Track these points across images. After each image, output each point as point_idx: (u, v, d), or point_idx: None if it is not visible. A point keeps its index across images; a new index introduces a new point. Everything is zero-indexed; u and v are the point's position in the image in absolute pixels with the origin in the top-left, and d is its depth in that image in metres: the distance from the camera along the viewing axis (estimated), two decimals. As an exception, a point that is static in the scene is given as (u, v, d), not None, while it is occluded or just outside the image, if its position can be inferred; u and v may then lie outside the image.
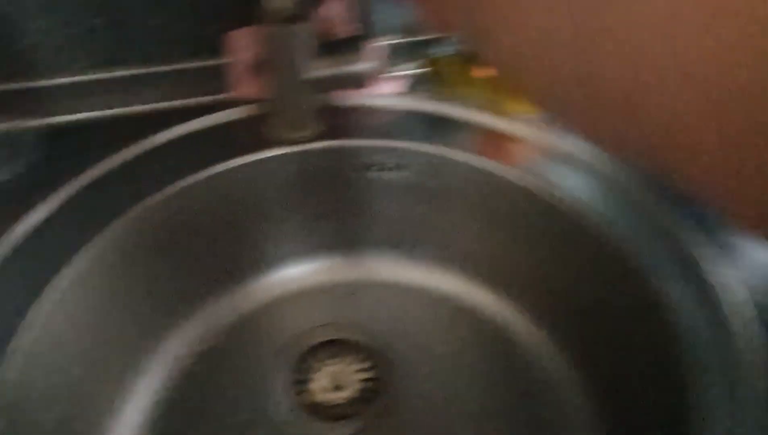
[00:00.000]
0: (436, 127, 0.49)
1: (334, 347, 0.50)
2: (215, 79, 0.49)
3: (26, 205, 0.39)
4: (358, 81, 0.47)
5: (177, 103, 0.48)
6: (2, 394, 0.31)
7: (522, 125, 0.49)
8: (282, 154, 0.47)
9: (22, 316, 0.34)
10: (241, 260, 0.51)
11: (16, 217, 0.38)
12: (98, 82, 0.46)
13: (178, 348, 0.48)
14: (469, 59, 0.49)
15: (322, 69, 0.46)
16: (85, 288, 0.38)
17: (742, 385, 0.31)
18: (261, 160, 0.46)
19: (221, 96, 0.49)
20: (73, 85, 0.46)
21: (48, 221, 0.39)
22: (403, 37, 0.52)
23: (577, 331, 0.46)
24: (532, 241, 0.48)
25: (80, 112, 0.46)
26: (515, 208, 0.47)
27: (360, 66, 0.46)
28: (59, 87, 0.45)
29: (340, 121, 0.48)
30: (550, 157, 0.47)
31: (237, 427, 0.44)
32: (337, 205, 0.51)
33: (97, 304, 0.40)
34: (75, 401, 0.38)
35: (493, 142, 0.49)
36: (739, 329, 0.34)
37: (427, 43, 0.52)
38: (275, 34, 0.42)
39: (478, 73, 0.49)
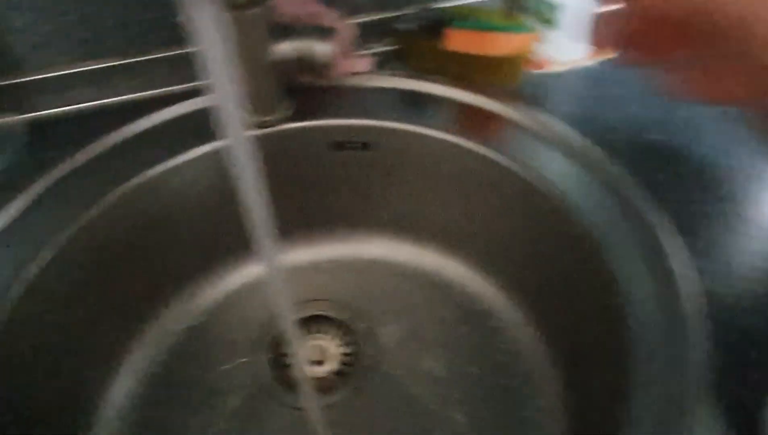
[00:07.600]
0: (407, 103, 0.49)
1: (318, 323, 0.52)
2: (188, 67, 0.50)
3: (6, 198, 0.42)
4: (326, 61, 0.47)
5: (152, 92, 0.50)
6: None
7: (493, 100, 0.48)
8: (253, 138, 0.48)
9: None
10: (225, 239, 0.53)
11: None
12: (75, 75, 0.48)
13: (168, 324, 0.51)
14: (437, 33, 0.48)
15: (289, 51, 0.46)
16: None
17: (683, 359, 0.32)
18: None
19: (193, 84, 0.50)
20: (51, 79, 0.48)
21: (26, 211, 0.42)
22: (369, 14, 0.51)
23: (545, 305, 0.47)
24: (503, 216, 0.47)
25: (60, 106, 0.49)
26: (488, 183, 0.46)
27: (327, 46, 0.46)
28: (39, 82, 0.48)
29: (311, 102, 0.49)
30: (523, 133, 0.46)
31: (219, 394, 0.47)
32: (311, 186, 0.52)
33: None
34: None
35: (466, 117, 0.48)
36: (688, 315, 0.33)
37: (394, 19, 0.51)
38: (235, 20, 0.42)
39: (447, 46, 0.48)
